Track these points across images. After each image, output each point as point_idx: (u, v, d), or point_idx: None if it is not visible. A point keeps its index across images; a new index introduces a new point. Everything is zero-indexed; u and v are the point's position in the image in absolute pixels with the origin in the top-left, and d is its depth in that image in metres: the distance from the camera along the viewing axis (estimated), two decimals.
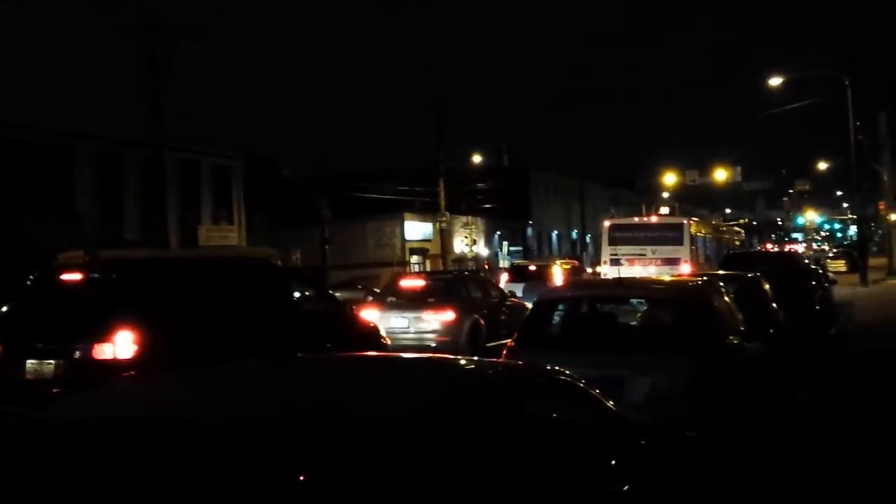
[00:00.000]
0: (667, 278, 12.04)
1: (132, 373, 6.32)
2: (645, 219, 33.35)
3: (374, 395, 2.79)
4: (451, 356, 4.57)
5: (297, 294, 11.01)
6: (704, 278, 10.65)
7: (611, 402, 4.25)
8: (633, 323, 9.45)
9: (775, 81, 36.55)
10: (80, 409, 2.80)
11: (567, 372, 3.88)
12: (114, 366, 7.73)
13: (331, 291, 13.72)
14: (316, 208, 36.67)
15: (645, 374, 7.07)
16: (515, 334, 8.30)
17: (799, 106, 38.65)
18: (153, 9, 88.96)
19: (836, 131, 41.60)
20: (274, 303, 9.56)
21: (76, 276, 9.03)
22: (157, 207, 28.41)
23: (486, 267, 44.68)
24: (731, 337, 8.44)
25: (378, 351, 10.77)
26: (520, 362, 4.27)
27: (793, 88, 39.91)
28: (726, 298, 9.73)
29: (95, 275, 9.10)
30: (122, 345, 8.03)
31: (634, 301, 10.18)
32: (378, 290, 22.41)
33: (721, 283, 11.09)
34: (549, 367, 3.83)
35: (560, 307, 9.06)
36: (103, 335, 8.00)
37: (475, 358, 4.48)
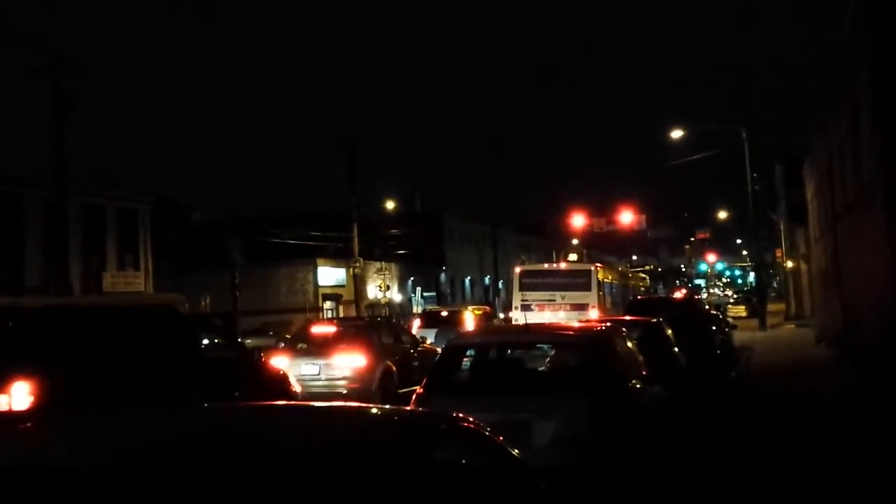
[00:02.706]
0: (574, 324, 12.32)
1: (25, 424, 6.12)
2: (554, 265, 34.10)
3: (254, 444, 2.81)
4: (350, 404, 4.60)
5: (204, 342, 10.84)
6: (608, 324, 10.95)
7: (512, 448, 4.35)
8: (540, 368, 9.64)
9: (676, 134, 38.09)
10: None
11: (467, 417, 3.97)
12: (9, 417, 7.46)
13: (239, 339, 13.54)
14: (226, 253, 36.09)
15: (548, 419, 7.22)
16: (424, 380, 8.38)
17: (700, 157, 40.30)
18: (59, 46, 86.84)
19: (735, 181, 43.48)
20: (176, 350, 9.39)
21: None
22: (59, 252, 27.48)
23: (387, 314, 44.65)
24: (632, 381, 8.71)
25: (287, 399, 10.66)
26: (420, 409, 4.33)
27: (698, 138, 41.66)
28: (629, 343, 10.03)
29: None
30: (17, 396, 7.76)
31: (543, 346, 10.41)
32: (289, 337, 22.15)
33: (624, 329, 11.45)
34: (447, 413, 3.91)
35: (469, 353, 9.20)
36: None
37: (371, 406, 4.53)
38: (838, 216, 22.67)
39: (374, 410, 4.19)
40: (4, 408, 7.66)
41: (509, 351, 9.34)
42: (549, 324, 15.64)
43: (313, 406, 4.48)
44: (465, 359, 8.99)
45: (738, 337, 30.65)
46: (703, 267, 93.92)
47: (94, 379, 8.29)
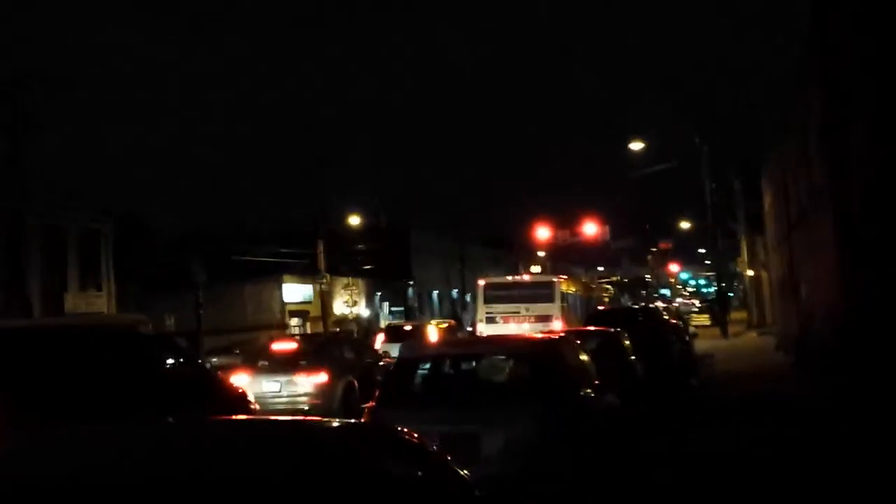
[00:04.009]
0: (528, 335, 12.49)
1: None
2: (518, 278, 34.36)
3: (191, 454, 2.92)
4: (274, 418, 4.70)
5: (169, 361, 10.83)
6: (561, 335, 11.13)
7: (463, 459, 4.45)
8: (492, 379, 9.77)
9: (636, 146, 38.60)
10: None
11: (395, 427, 4.08)
12: None
13: (198, 358, 13.51)
14: (189, 272, 35.86)
15: (497, 429, 7.35)
16: (377, 393, 8.47)
17: (659, 169, 40.85)
18: (17, 65, 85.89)
19: (696, 192, 44.10)
20: (132, 370, 9.40)
21: None
22: (19, 275, 27.18)
23: (357, 329, 44.56)
24: (583, 390, 8.87)
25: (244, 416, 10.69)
26: (351, 420, 4.44)
27: (659, 149, 42.29)
28: (581, 353, 10.21)
29: None
30: None
31: (499, 358, 10.55)
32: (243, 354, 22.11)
33: (577, 339, 11.63)
34: (370, 424, 4.02)
35: (422, 366, 9.31)
36: None
37: (309, 419, 4.62)
38: (793, 226, 23.18)
39: (294, 423, 4.29)
40: None
41: (463, 364, 9.47)
42: (502, 336, 15.79)
43: (232, 420, 4.58)
44: (418, 371, 9.10)
45: (700, 345, 31.06)
46: (669, 277, 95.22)
47: (49, 400, 8.28)
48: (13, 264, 27.77)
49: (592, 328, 16.44)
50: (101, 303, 36.15)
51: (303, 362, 16.33)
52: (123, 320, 21.03)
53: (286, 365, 16.39)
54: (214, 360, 28.38)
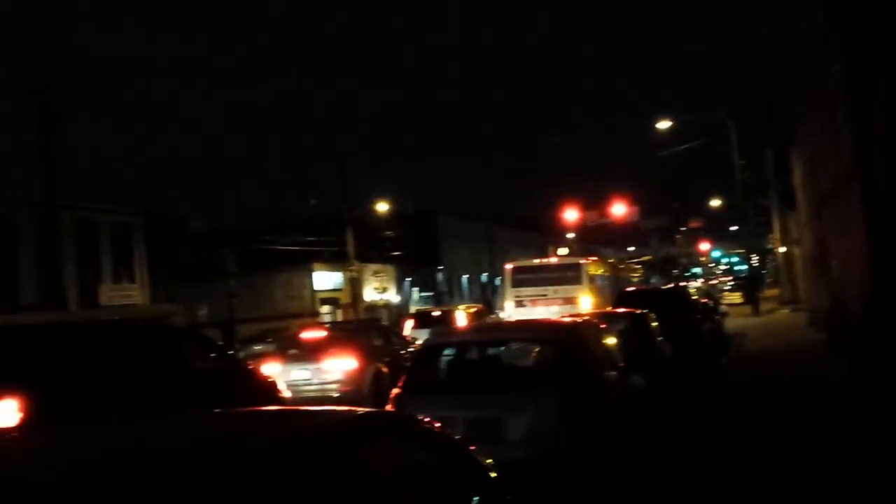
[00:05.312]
0: (551, 319, 12.51)
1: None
2: (545, 260, 34.28)
3: (178, 450, 2.98)
4: (295, 408, 4.79)
5: (194, 353, 11.02)
6: (584, 318, 11.15)
7: (485, 444, 4.48)
8: (516, 364, 9.83)
9: (664, 125, 38.26)
10: None
11: (413, 415, 4.16)
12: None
13: (228, 348, 13.71)
14: (221, 262, 36.28)
15: (520, 414, 7.42)
16: (401, 380, 8.55)
17: (687, 147, 40.47)
18: (48, 65, 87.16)
19: (726, 170, 43.64)
20: (161, 362, 9.59)
21: None
22: (54, 269, 27.66)
23: (389, 314, 44.78)
24: (606, 373, 8.91)
25: (276, 405, 10.85)
26: (366, 409, 4.51)
27: (688, 127, 41.91)
28: (605, 336, 10.23)
29: None
30: (5, 412, 7.99)
31: (522, 342, 10.60)
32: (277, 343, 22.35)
33: (604, 321, 11.65)
34: (389, 412, 4.10)
35: (446, 352, 9.39)
36: None
37: (322, 409, 4.71)
38: (822, 201, 22.88)
39: (314, 412, 4.38)
40: None
41: (487, 349, 9.53)
42: (525, 320, 15.80)
43: (253, 411, 4.66)
44: (442, 357, 9.18)
45: (732, 323, 30.90)
46: (700, 256, 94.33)
47: (80, 393, 8.50)
48: (49, 259, 28.27)
49: (620, 310, 16.44)
50: (134, 294, 36.68)
51: (332, 350, 16.51)
52: (157, 312, 21.41)
53: (316, 353, 16.58)
54: (257, 347, 28.71)
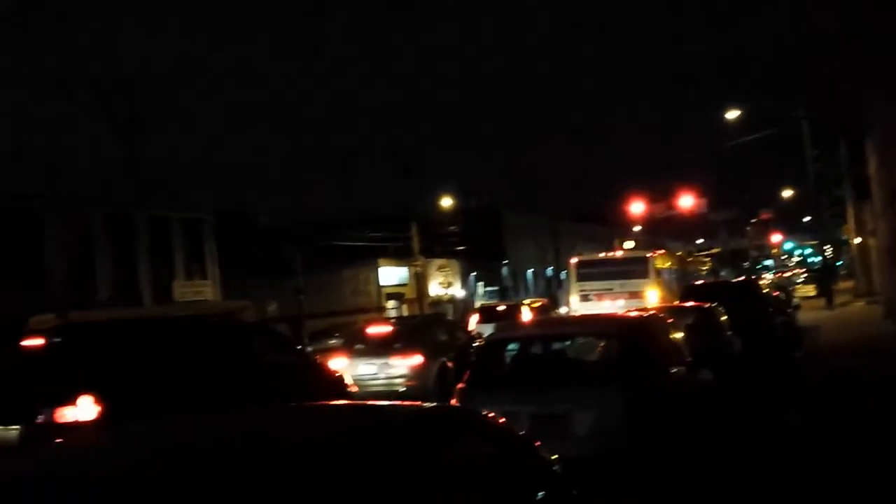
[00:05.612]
0: (616, 314, 12.40)
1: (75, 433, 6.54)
2: (611, 254, 33.94)
3: (241, 445, 3.05)
4: (362, 403, 4.86)
5: (263, 347, 11.26)
6: (650, 313, 11.02)
7: (550, 439, 4.48)
8: (581, 359, 9.79)
9: (732, 115, 37.45)
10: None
11: (478, 411, 4.19)
12: (77, 428, 7.97)
13: (297, 344, 13.93)
14: (288, 259, 36.89)
15: (585, 409, 7.40)
16: (466, 375, 8.59)
17: (757, 137, 39.54)
18: (127, 69, 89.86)
19: (796, 160, 42.52)
20: (233, 357, 9.83)
21: (40, 341, 9.28)
22: (128, 266, 28.51)
23: (454, 309, 44.89)
24: (673, 368, 8.81)
25: (344, 399, 11.03)
26: (433, 404, 4.56)
27: (757, 118, 40.87)
28: (672, 331, 10.11)
29: (59, 339, 9.36)
30: (83, 408, 8.27)
31: (588, 338, 10.53)
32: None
33: (670, 316, 11.51)
34: (455, 407, 4.14)
35: (510, 347, 9.39)
36: (66, 399, 8.25)
37: (390, 404, 4.77)
38: None
39: (383, 407, 4.44)
40: (71, 419, 8.19)
41: (551, 344, 9.50)
42: (590, 315, 15.64)
43: (323, 406, 4.75)
44: (505, 353, 9.19)
45: (805, 316, 30.12)
46: (772, 248, 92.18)
47: (153, 389, 8.77)
48: (124, 257, 29.15)
49: (687, 304, 16.20)
50: (206, 290, 37.56)
51: (398, 345, 16.67)
52: (229, 307, 21.87)
53: (382, 348, 16.77)
54: (332, 341, 29.05)
